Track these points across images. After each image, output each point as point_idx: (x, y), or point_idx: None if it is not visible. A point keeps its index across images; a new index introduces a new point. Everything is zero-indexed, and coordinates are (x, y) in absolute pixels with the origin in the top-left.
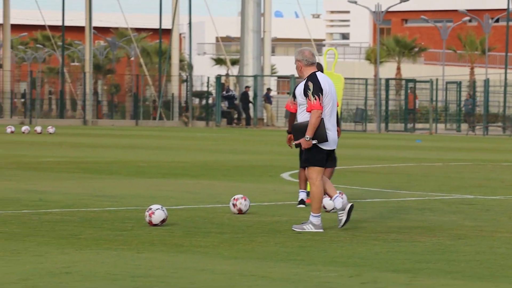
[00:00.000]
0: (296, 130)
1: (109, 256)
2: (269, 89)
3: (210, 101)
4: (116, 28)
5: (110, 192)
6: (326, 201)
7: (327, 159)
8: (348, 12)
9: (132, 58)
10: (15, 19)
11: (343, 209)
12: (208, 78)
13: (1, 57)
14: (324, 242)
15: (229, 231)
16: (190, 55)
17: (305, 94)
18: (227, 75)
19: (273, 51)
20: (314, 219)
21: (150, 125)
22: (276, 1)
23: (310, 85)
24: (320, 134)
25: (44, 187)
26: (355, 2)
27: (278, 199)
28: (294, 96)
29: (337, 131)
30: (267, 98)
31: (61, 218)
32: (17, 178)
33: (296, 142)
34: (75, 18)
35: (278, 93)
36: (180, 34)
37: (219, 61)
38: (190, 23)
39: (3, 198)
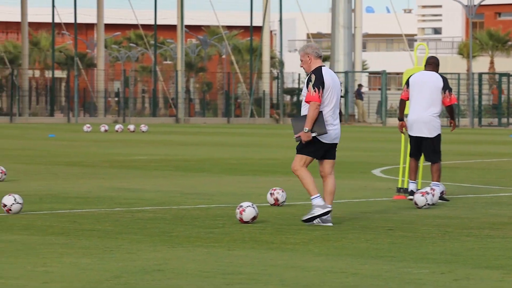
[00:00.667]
0: (295, 124)
1: (200, 254)
2: (360, 85)
3: (301, 98)
4: (208, 26)
5: (201, 190)
6: (418, 197)
7: (327, 153)
8: (440, 6)
9: (224, 56)
10: (108, 19)
11: (323, 208)
12: (299, 75)
13: (95, 57)
14: (416, 239)
15: (319, 228)
16: (281, 52)
17: (307, 85)
18: None
19: (364, 47)
20: (315, 200)
21: (241, 123)
22: None
23: (313, 77)
24: (319, 126)
25: (136, 185)
26: None
27: (369, 195)
28: (407, 85)
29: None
30: (358, 94)
31: (153, 216)
32: (110, 176)
33: (296, 135)
34: (167, 17)
35: (369, 89)
36: (271, 31)
37: None
38: (280, 20)
39: (97, 196)
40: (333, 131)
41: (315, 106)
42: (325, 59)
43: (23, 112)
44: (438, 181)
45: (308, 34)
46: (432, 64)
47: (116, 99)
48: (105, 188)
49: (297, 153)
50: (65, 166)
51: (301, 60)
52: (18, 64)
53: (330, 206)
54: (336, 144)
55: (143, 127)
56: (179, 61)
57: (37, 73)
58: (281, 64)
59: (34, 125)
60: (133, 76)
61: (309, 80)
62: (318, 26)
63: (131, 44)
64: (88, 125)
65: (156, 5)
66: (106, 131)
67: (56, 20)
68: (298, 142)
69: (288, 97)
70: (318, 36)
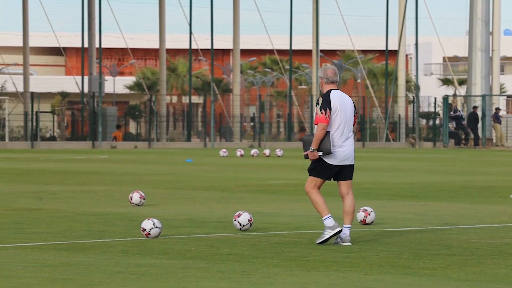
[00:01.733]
0: (305, 142)
1: (337, 278)
2: (498, 109)
3: (437, 121)
4: (343, 51)
5: (335, 214)
6: None
7: (340, 174)
8: None
9: (359, 80)
10: (244, 44)
11: (332, 229)
12: (435, 98)
13: (231, 82)
14: None
15: (457, 253)
16: (416, 75)
17: (315, 108)
18: (454, 95)
19: (502, 70)
20: (326, 221)
21: (377, 147)
22: (505, 19)
23: (320, 100)
24: (325, 146)
25: (272, 209)
26: None
27: (508, 220)
28: None
29: None
30: (496, 118)
31: (289, 240)
32: (246, 201)
33: (304, 153)
34: (302, 42)
35: (507, 112)
36: (406, 55)
37: (446, 81)
38: (416, 44)
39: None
40: (341, 152)
41: (321, 127)
42: (461, 82)
43: (161, 138)
44: None
45: (444, 58)
46: None
47: (252, 123)
48: None
49: (309, 175)
50: (202, 191)
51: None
52: (156, 90)
53: (339, 228)
54: (351, 165)
55: (279, 152)
56: (314, 85)
57: (175, 98)
58: (417, 88)
59: (171, 150)
60: (268, 101)
61: (317, 103)
62: (454, 49)
63: (266, 69)
64: (224, 150)
65: (291, 30)
66: (242, 155)
67: (193, 46)
68: (310, 164)
69: (424, 121)
70: (454, 59)
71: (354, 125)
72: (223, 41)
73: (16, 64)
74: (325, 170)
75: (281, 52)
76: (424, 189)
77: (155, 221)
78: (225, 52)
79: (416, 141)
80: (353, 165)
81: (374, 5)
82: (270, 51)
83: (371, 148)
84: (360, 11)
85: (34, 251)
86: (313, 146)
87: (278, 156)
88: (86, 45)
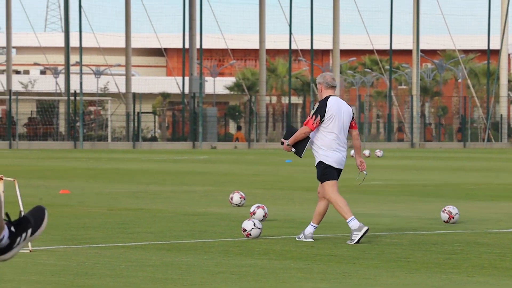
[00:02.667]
0: (288, 131)
1: (440, 280)
2: None
3: None
4: (444, 50)
5: (438, 215)
6: None
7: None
8: None
9: (460, 80)
10: (344, 45)
11: (359, 230)
12: None
13: None
14: None
15: None
16: None
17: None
18: None
19: None
20: (351, 223)
21: (478, 147)
22: None
23: (316, 105)
24: (299, 148)
25: (373, 210)
26: None
27: None
28: None
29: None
30: None
31: (390, 241)
32: (347, 201)
33: (282, 139)
34: (403, 42)
35: None
36: (509, 54)
37: None
38: None
39: (333, 221)
40: (338, 155)
41: (305, 130)
42: None
43: (260, 138)
44: None
45: None
46: None
47: None
48: None
49: (321, 182)
50: (302, 191)
51: (317, 89)
52: (255, 90)
53: (365, 227)
54: (341, 169)
55: (378, 152)
56: (414, 85)
57: (274, 99)
58: None
59: (271, 150)
60: (368, 101)
61: (312, 108)
62: None
63: (366, 69)
64: None
65: (391, 30)
66: None
67: (293, 47)
68: (318, 173)
69: None
70: None
71: (354, 129)
72: (323, 41)
73: (119, 65)
74: (334, 172)
75: (381, 52)
76: None
77: (256, 221)
78: (325, 52)
79: None
80: (342, 169)
81: (476, 4)
82: (370, 51)
83: (472, 148)
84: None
85: (136, 251)
86: (290, 142)
87: (378, 156)
88: (187, 46)
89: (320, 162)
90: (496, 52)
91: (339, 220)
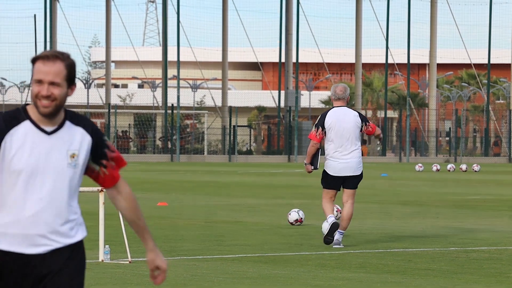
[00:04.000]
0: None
1: None
2: None
3: None
4: None
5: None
6: None
7: (345, 183)
8: None
9: None
10: (441, 59)
11: (328, 222)
12: None
13: (426, 96)
14: None
15: None
16: None
17: None
18: None
19: None
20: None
21: None
22: None
23: (318, 117)
24: (316, 161)
25: (470, 224)
26: None
27: None
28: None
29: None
30: None
31: (488, 256)
32: (443, 216)
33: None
34: (501, 56)
35: None
36: None
37: None
38: None
39: (431, 235)
40: (337, 164)
41: (311, 144)
42: None
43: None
44: None
45: None
46: None
47: (447, 138)
48: (439, 227)
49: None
50: (399, 205)
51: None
52: (351, 104)
53: (337, 231)
54: (354, 176)
55: (476, 167)
56: None
57: (369, 113)
58: None
59: (367, 164)
60: (464, 116)
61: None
62: None
63: (463, 84)
64: (420, 165)
65: (490, 43)
66: (438, 170)
67: (389, 61)
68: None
69: None
70: None
71: (370, 134)
72: (419, 55)
73: (215, 79)
74: (329, 181)
75: (478, 66)
76: None
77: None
78: (421, 66)
79: None
80: (357, 175)
81: None
82: (467, 65)
83: None
84: None
85: (234, 263)
86: (306, 161)
87: (475, 171)
88: (283, 60)
89: (323, 170)
90: None
91: (437, 233)
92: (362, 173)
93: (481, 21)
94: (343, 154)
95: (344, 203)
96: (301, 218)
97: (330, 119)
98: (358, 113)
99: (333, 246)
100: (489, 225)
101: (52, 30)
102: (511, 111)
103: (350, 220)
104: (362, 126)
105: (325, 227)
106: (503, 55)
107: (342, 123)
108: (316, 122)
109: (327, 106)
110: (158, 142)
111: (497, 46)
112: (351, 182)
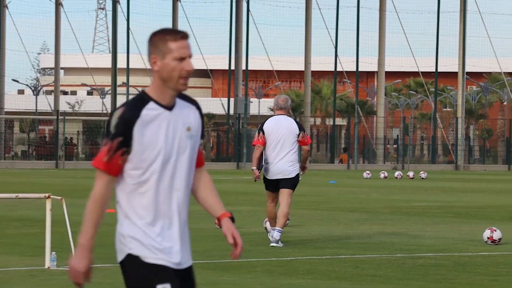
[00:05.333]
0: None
1: None
2: None
3: None
4: (489, 73)
5: (482, 237)
6: None
7: (280, 184)
8: None
9: (505, 103)
10: (389, 67)
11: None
12: None
13: (375, 104)
14: None
15: None
16: None
17: None
18: None
19: None
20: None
21: None
22: None
23: (260, 124)
24: (261, 164)
25: (416, 231)
26: None
27: None
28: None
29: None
30: None
31: (434, 263)
32: (390, 222)
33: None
34: (448, 64)
35: None
36: None
37: None
38: None
39: (378, 241)
40: (273, 167)
41: (255, 148)
42: None
43: None
44: None
45: None
46: None
47: (395, 146)
48: (386, 234)
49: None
50: (346, 212)
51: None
52: (300, 112)
53: (273, 228)
54: (288, 179)
55: (423, 174)
56: (459, 108)
57: (318, 120)
58: None
59: (315, 171)
60: (412, 123)
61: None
62: None
63: (411, 91)
64: (367, 172)
65: (437, 52)
66: (385, 177)
67: (338, 69)
68: None
69: None
70: None
71: (303, 145)
72: (368, 63)
73: None
74: (268, 184)
75: (426, 74)
76: None
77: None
78: (370, 74)
79: None
80: (291, 178)
81: None
82: (415, 73)
83: None
84: (508, 33)
85: None
86: (253, 165)
87: (422, 178)
88: (232, 67)
89: (263, 174)
90: None
91: (384, 240)
92: (298, 175)
93: (429, 29)
94: (277, 159)
95: (281, 202)
96: None
97: (269, 124)
98: (297, 122)
99: (271, 245)
100: (435, 232)
101: (1, 36)
102: (458, 119)
103: (285, 218)
104: (299, 134)
105: (269, 227)
106: (450, 64)
107: (280, 128)
108: (258, 128)
109: None
110: None
111: (444, 55)
112: (286, 183)
